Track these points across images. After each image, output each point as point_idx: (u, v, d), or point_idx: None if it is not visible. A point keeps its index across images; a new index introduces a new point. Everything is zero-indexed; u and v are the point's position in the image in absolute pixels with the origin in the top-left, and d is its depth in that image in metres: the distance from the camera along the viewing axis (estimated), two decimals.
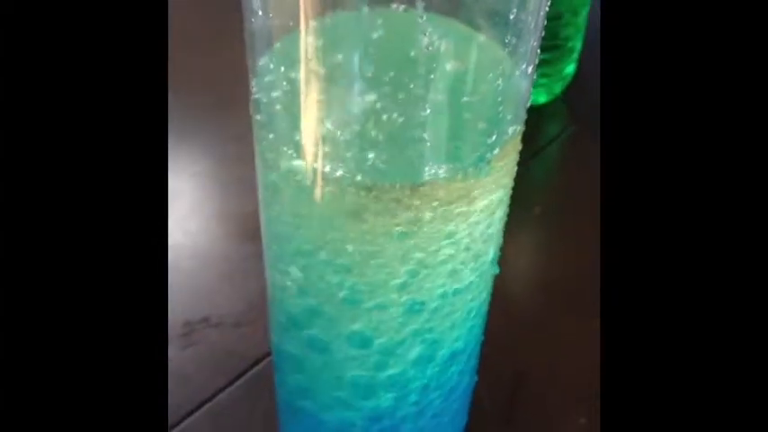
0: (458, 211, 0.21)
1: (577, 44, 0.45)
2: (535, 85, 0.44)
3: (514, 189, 0.24)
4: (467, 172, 0.20)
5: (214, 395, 0.33)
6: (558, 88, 0.45)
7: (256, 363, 0.34)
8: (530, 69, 0.21)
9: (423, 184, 0.20)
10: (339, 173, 0.20)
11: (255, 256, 0.25)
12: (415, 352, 0.24)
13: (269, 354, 0.33)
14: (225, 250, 0.38)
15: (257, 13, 0.20)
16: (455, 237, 0.22)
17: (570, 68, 0.45)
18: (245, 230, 0.38)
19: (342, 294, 0.22)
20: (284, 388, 0.28)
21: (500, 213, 0.23)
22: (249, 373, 0.33)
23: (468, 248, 0.22)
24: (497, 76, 0.21)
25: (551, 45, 0.43)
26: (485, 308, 0.26)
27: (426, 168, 0.20)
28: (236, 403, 0.33)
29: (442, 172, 0.20)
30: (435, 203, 0.20)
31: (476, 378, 0.28)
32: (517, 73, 0.21)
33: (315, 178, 0.20)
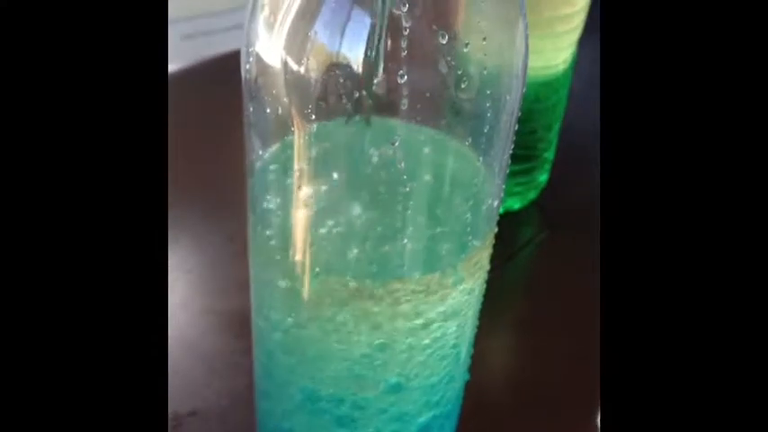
0: (430, 314, 0.23)
1: (550, 155, 0.48)
2: (510, 194, 0.47)
3: (488, 292, 0.25)
4: (442, 273, 0.22)
5: None
6: (531, 195, 0.48)
7: None
8: (501, 178, 0.23)
9: (398, 285, 0.22)
10: (326, 272, 0.22)
11: (244, 351, 0.27)
12: None
13: None
14: (214, 345, 0.39)
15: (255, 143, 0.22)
16: (428, 339, 0.23)
17: (543, 177, 0.48)
18: (233, 326, 0.40)
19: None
20: None
21: (471, 319, 0.25)
22: None
23: (440, 354, 0.24)
24: (473, 185, 0.22)
25: (526, 156, 0.46)
26: (456, 412, 0.27)
27: (402, 270, 0.22)
28: None
29: (416, 274, 0.22)
30: (408, 305, 0.22)
31: None
32: (490, 182, 0.23)
33: (303, 277, 0.22)
